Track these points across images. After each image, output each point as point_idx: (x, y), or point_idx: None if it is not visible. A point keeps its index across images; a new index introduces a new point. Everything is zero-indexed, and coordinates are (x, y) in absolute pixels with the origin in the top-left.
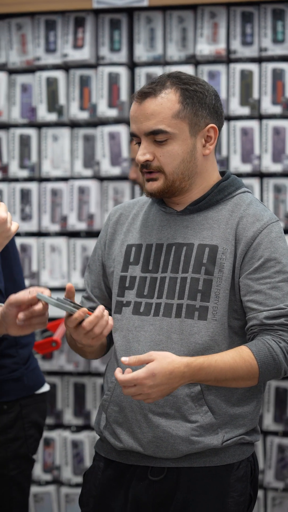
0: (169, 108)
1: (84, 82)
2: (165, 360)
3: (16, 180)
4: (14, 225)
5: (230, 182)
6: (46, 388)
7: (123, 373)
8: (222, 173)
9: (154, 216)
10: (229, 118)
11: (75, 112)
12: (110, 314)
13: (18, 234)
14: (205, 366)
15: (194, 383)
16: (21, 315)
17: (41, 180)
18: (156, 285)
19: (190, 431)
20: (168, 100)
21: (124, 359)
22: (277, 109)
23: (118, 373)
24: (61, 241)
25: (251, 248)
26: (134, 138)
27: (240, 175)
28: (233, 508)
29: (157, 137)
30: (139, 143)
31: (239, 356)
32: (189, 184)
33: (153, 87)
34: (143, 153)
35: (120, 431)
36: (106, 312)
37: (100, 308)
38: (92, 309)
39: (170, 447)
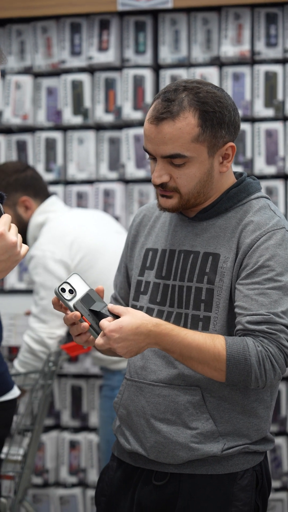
0: (188, 133)
1: (109, 85)
2: (136, 315)
3: None
4: (24, 248)
5: (241, 188)
6: (11, 395)
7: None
8: (240, 175)
9: (171, 220)
10: (254, 120)
11: (100, 114)
12: None
13: None
14: (173, 334)
15: (195, 390)
16: None
17: (67, 183)
18: (168, 292)
19: (190, 437)
20: (187, 124)
21: (110, 305)
22: None
23: (109, 306)
24: None
25: (247, 255)
26: (148, 154)
27: (265, 177)
28: None
29: (174, 160)
30: (154, 159)
31: (211, 340)
32: (204, 199)
33: (170, 109)
34: (160, 175)
35: (129, 434)
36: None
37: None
38: None
39: (171, 453)
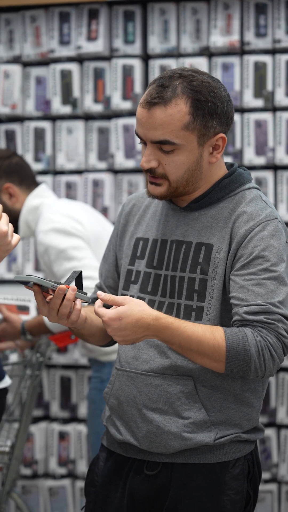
0: (178, 120)
1: (98, 75)
2: (136, 307)
3: None
4: (15, 238)
5: (233, 179)
6: (3, 384)
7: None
8: (231, 166)
9: (162, 210)
10: (243, 110)
11: (89, 104)
12: None
13: None
14: (173, 327)
15: (187, 379)
16: None
17: (56, 173)
18: (160, 282)
19: (183, 427)
20: (178, 111)
21: (100, 293)
22: None
23: (98, 302)
24: None
25: (242, 246)
26: (139, 138)
27: (254, 167)
28: (228, 506)
29: (163, 146)
30: (144, 143)
31: (210, 332)
32: (192, 188)
33: (163, 95)
34: (148, 160)
35: (120, 424)
36: (78, 301)
37: (60, 288)
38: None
39: (163, 443)
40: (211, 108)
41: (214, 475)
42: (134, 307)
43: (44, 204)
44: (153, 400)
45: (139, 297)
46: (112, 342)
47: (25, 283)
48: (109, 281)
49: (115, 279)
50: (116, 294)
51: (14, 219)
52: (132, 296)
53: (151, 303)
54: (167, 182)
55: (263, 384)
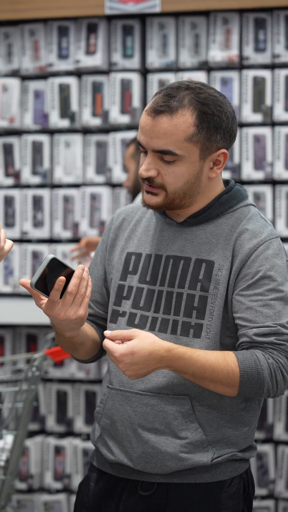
0: (183, 131)
1: (97, 89)
2: (146, 340)
3: (28, 186)
4: (8, 243)
5: (232, 195)
6: None
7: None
8: (226, 182)
9: (156, 225)
10: (242, 125)
11: (88, 118)
12: (106, 319)
13: (29, 241)
14: (186, 357)
15: (184, 399)
16: None
17: (53, 186)
18: (153, 298)
19: (179, 447)
20: (183, 122)
21: (106, 332)
22: None
23: (108, 335)
24: (72, 248)
25: (246, 265)
26: (140, 147)
27: (252, 182)
28: None
29: (165, 156)
30: (145, 152)
31: (223, 359)
32: (189, 202)
33: (170, 104)
34: (148, 169)
35: (112, 444)
36: (86, 270)
37: (80, 268)
38: (89, 315)
39: (159, 463)
40: (217, 122)
41: (210, 495)
42: (145, 340)
43: None
44: (149, 420)
45: (131, 313)
46: (96, 358)
47: (43, 292)
48: (96, 296)
49: (103, 294)
50: (103, 310)
51: (138, 189)
52: (124, 312)
53: (143, 319)
54: (164, 192)
55: (259, 403)
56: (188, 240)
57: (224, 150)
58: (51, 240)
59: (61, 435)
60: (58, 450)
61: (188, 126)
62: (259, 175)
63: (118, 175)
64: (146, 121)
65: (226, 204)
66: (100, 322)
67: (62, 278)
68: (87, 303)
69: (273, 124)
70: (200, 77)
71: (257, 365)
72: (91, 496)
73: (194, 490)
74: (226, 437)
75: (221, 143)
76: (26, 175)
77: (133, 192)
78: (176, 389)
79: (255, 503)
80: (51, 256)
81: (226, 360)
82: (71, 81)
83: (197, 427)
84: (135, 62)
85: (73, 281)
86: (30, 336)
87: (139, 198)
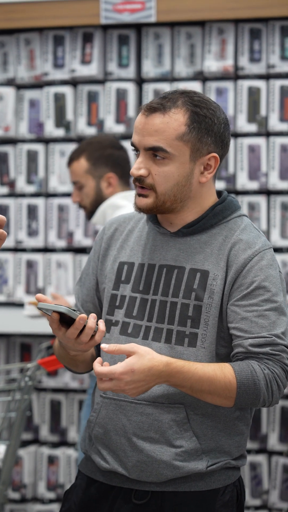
0: (174, 129)
1: (92, 98)
2: (145, 357)
3: (23, 195)
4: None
5: (226, 205)
6: None
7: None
8: (219, 193)
9: (148, 235)
10: (236, 135)
11: (83, 127)
12: None
13: (24, 250)
14: (184, 370)
15: (179, 408)
16: None
17: (48, 195)
18: (146, 307)
19: (174, 456)
20: (175, 120)
21: (104, 345)
22: (285, 126)
23: (96, 364)
24: (67, 257)
25: (241, 275)
26: (133, 149)
27: (247, 192)
28: None
29: (156, 153)
30: (137, 154)
31: (220, 371)
32: (180, 206)
33: (163, 103)
34: (139, 168)
35: (106, 453)
36: (100, 322)
37: (92, 317)
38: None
39: (155, 472)
40: (208, 124)
41: (204, 503)
42: (144, 356)
43: (126, 208)
44: (144, 429)
45: (124, 322)
46: (91, 370)
47: (45, 311)
48: (89, 305)
49: (95, 304)
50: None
51: (98, 205)
52: (117, 321)
53: (136, 328)
54: (154, 194)
55: (251, 412)
56: (182, 250)
57: (215, 154)
58: (46, 249)
59: (55, 445)
60: (52, 460)
61: (179, 124)
62: (253, 185)
63: None
64: (139, 120)
65: (220, 215)
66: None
67: (83, 316)
68: (100, 337)
69: (268, 134)
70: (195, 87)
71: (253, 376)
72: (79, 504)
73: (189, 498)
74: (219, 446)
75: (212, 147)
76: (21, 184)
77: (90, 209)
78: (172, 398)
79: None
80: (63, 308)
81: (223, 372)
82: (67, 90)
83: (191, 435)
84: (130, 72)
85: (91, 322)
86: (24, 346)
87: (96, 216)
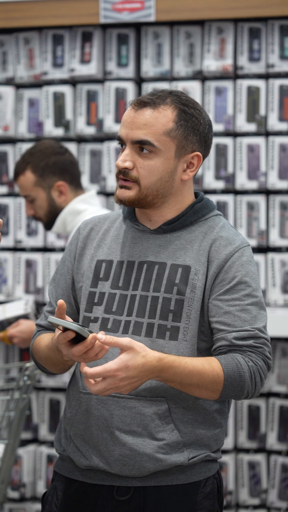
0: (162, 124)
1: (91, 97)
2: (140, 353)
3: None
4: None
5: (204, 204)
6: None
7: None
8: (195, 194)
9: (126, 233)
10: (236, 135)
11: (82, 127)
12: None
13: (23, 250)
14: (175, 365)
15: (161, 401)
16: None
17: None
18: (126, 302)
19: (157, 448)
20: (164, 116)
21: (100, 336)
22: (284, 126)
23: (86, 367)
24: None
25: (223, 270)
26: (119, 142)
27: (246, 192)
28: None
29: (143, 147)
30: (123, 147)
31: (208, 364)
32: (161, 202)
33: (153, 99)
34: (124, 160)
35: (86, 449)
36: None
37: (101, 334)
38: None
39: (137, 465)
40: (194, 123)
41: (187, 496)
42: (138, 352)
43: (88, 211)
44: (127, 422)
45: (104, 318)
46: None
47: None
48: (66, 305)
49: (71, 303)
50: (72, 318)
51: (55, 215)
52: (96, 318)
53: (116, 323)
54: (138, 187)
55: (228, 406)
56: (162, 246)
57: (198, 153)
58: (45, 249)
59: (53, 445)
60: (51, 459)
61: (167, 120)
62: (253, 185)
63: (112, 184)
64: (128, 114)
65: (199, 213)
66: None
67: (95, 335)
68: (103, 354)
69: (267, 133)
70: (194, 86)
71: (239, 368)
72: (60, 505)
73: (171, 492)
74: (200, 439)
75: (197, 146)
76: None
77: (47, 220)
78: (154, 391)
79: None
80: (75, 326)
81: (211, 365)
82: (66, 89)
83: (173, 428)
84: (129, 71)
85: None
86: None
87: (57, 225)
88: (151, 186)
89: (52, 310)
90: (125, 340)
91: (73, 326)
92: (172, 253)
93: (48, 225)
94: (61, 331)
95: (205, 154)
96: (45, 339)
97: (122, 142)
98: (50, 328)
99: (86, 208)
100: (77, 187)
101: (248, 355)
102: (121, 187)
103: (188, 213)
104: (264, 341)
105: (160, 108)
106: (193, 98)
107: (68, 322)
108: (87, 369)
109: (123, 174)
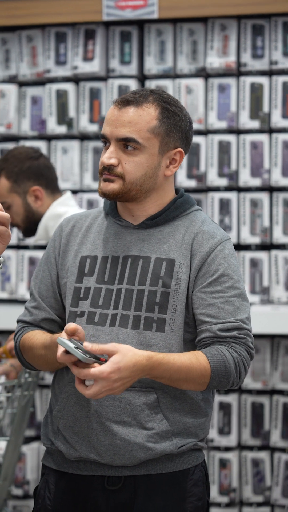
0: (146, 122)
1: (94, 95)
2: (128, 354)
3: None
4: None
5: (185, 199)
6: None
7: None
8: (176, 191)
9: (109, 228)
10: (239, 132)
11: (85, 124)
12: (64, 324)
13: (27, 247)
14: (164, 362)
15: (150, 391)
16: None
17: None
18: (112, 296)
19: (147, 438)
20: (147, 114)
21: (86, 344)
22: (287, 123)
23: (89, 348)
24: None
25: (206, 263)
26: (103, 140)
27: (250, 189)
28: None
29: (127, 144)
30: (106, 145)
31: (195, 358)
32: (144, 196)
33: (136, 98)
34: (110, 157)
35: (76, 440)
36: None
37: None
38: (46, 320)
39: (128, 454)
40: (177, 121)
41: (177, 484)
42: (126, 353)
43: (68, 213)
44: (117, 412)
45: (90, 312)
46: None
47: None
48: (51, 301)
49: (56, 299)
50: (57, 314)
51: (35, 222)
52: (83, 312)
53: (103, 317)
54: (122, 181)
55: (213, 395)
56: (145, 241)
57: (180, 149)
58: None
59: None
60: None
61: (151, 118)
62: (256, 182)
63: None
64: (112, 113)
65: (181, 208)
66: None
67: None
68: None
69: (270, 130)
70: (197, 83)
71: (224, 360)
72: (53, 499)
73: (161, 480)
74: (187, 428)
75: (179, 142)
76: None
77: (24, 226)
78: (143, 381)
79: (251, 510)
80: (81, 356)
81: (198, 360)
82: (69, 87)
83: (162, 418)
84: (132, 69)
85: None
86: None
87: (39, 232)
88: (135, 181)
89: (35, 305)
90: (111, 346)
91: (79, 355)
92: (156, 247)
93: (27, 232)
94: (64, 351)
95: (186, 151)
96: (39, 337)
97: (106, 140)
98: (36, 324)
99: (66, 210)
100: (54, 191)
101: (232, 346)
102: (105, 180)
103: (170, 208)
104: (247, 332)
105: (144, 106)
106: (194, 95)
107: (74, 349)
108: (80, 371)
109: (108, 171)
